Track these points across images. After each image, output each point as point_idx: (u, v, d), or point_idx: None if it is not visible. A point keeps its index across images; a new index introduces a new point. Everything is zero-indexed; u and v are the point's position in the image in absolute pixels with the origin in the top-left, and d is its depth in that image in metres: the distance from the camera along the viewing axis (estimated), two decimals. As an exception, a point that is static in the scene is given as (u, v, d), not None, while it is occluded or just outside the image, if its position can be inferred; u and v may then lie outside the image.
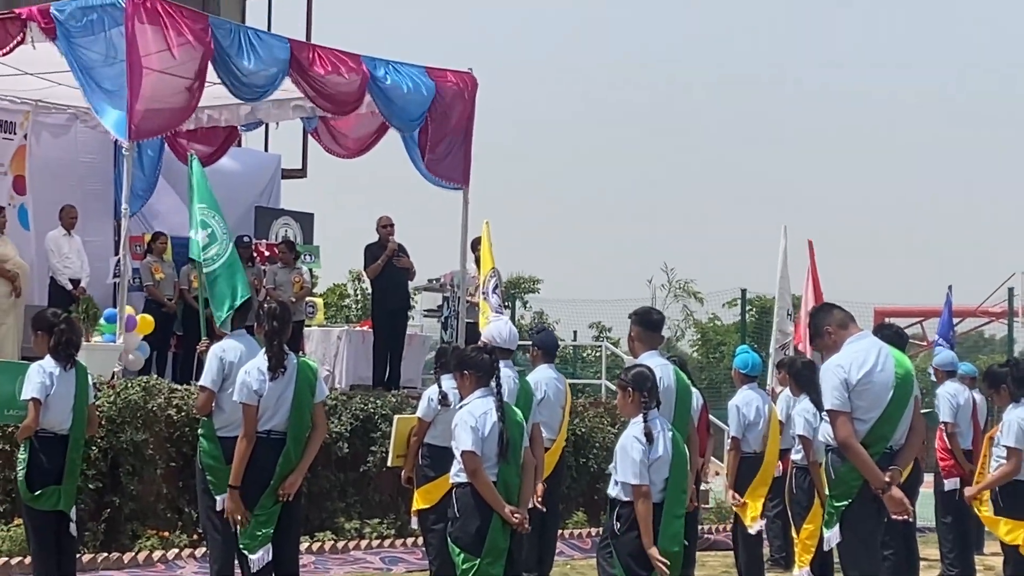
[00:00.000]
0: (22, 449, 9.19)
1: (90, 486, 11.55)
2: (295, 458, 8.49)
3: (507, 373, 9.24)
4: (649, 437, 7.49)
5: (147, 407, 12.11)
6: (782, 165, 78.19)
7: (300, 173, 22.41)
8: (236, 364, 8.82)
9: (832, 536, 7.69)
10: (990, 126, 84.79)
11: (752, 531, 11.32)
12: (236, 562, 8.80)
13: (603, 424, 15.94)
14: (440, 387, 9.97)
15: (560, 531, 12.92)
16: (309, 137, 19.05)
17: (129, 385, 12.25)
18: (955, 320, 22.52)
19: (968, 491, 11.08)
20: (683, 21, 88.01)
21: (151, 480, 12.11)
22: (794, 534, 11.35)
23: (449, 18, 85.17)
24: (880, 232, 75.46)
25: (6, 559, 10.89)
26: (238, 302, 11.53)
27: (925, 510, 12.63)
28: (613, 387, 14.13)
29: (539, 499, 10.09)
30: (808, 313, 12.00)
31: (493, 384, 7.93)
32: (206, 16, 14.26)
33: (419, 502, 10.06)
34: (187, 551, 11.82)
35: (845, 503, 7.61)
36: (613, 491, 7.61)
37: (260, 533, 8.42)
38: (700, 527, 14.62)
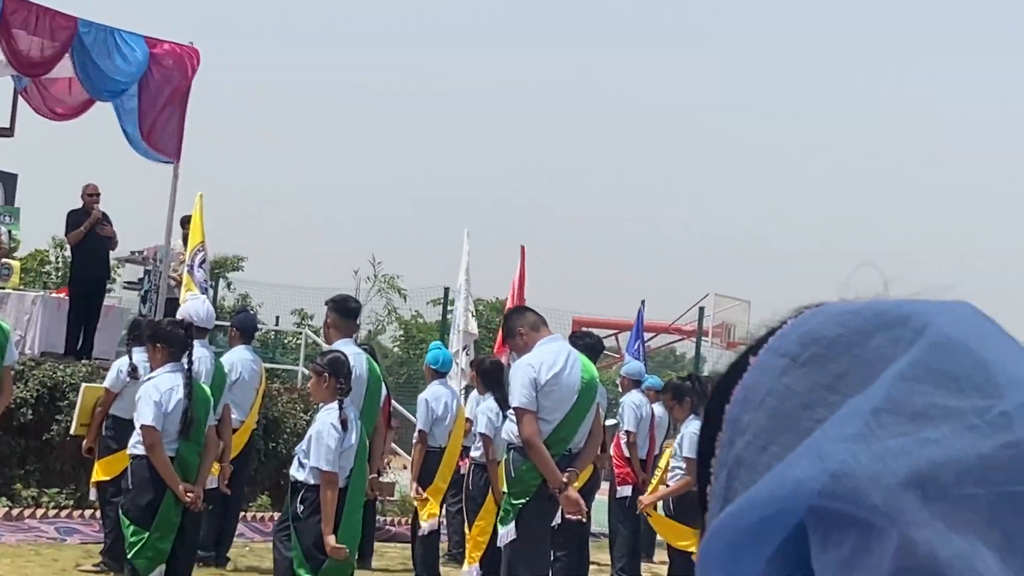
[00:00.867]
0: None
1: None
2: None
3: (202, 352, 9.21)
4: (344, 425, 7.57)
5: None
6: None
7: (7, 132, 21.63)
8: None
9: (506, 533, 7.88)
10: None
11: (423, 531, 11.44)
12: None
13: (296, 410, 15.90)
14: (131, 359, 9.86)
15: (243, 513, 12.87)
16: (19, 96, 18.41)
17: None
18: (648, 335, 23.32)
19: (644, 499, 11.43)
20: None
21: None
22: (467, 530, 11.53)
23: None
24: (588, 243, 77.41)
25: None
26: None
27: (600, 515, 12.99)
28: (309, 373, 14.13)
29: (225, 481, 10.06)
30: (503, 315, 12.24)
31: (184, 360, 7.89)
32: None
33: (99, 473, 9.94)
34: None
35: (523, 501, 7.82)
36: (300, 475, 7.64)
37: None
38: (383, 519, 14.76)
